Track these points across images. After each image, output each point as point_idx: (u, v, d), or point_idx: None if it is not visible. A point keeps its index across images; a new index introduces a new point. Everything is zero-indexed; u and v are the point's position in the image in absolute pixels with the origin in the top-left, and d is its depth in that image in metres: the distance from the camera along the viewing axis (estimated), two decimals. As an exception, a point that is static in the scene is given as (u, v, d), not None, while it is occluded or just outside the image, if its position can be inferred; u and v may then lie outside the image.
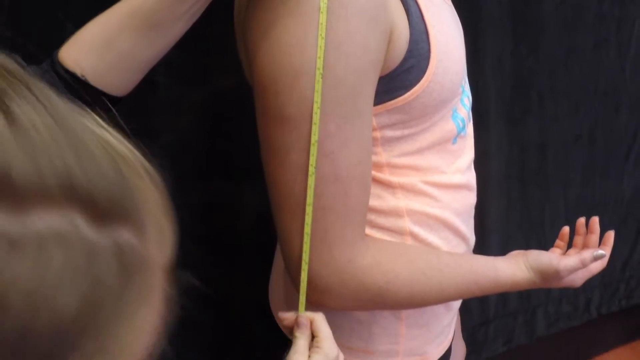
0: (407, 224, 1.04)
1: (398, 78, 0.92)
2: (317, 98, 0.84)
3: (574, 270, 1.11)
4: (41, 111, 0.40)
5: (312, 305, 0.99)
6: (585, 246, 1.20)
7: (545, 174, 2.15)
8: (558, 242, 1.24)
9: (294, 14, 0.84)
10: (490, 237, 2.08)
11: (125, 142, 0.46)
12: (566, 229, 1.24)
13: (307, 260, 0.92)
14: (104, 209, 0.41)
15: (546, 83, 2.01)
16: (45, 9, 1.31)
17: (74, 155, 0.40)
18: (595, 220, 1.21)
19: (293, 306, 1.14)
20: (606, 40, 2.07)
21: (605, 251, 1.17)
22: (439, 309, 1.15)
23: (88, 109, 0.45)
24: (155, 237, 0.46)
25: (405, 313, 1.10)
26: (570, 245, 1.24)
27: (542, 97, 2.02)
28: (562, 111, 2.09)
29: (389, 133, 0.97)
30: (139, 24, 0.87)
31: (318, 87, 0.84)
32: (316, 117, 0.85)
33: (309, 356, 0.95)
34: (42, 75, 0.87)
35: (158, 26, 0.88)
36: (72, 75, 0.87)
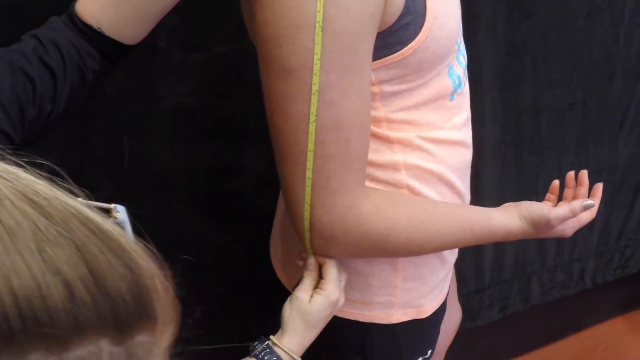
0: (403, 177, 1.07)
1: (395, 34, 0.95)
2: (317, 50, 0.87)
3: (565, 219, 1.14)
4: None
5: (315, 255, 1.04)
6: (574, 198, 1.23)
7: (539, 141, 2.17)
8: (549, 195, 1.27)
9: None
10: (484, 203, 2.08)
11: (133, 242, 0.49)
12: (556, 182, 1.27)
13: (309, 202, 0.95)
14: (125, 326, 0.45)
15: (540, 50, 2.02)
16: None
17: (99, 290, 0.44)
18: (584, 173, 1.24)
19: (292, 259, 1.18)
20: (600, 8, 2.08)
21: (595, 202, 1.20)
22: (434, 262, 1.18)
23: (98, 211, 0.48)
24: (164, 325, 0.49)
25: (401, 265, 1.14)
26: (560, 198, 1.27)
27: (536, 63, 2.04)
28: (556, 78, 2.10)
29: (387, 88, 1.00)
30: None
31: (318, 39, 0.87)
32: (316, 68, 0.88)
33: (311, 295, 1.00)
34: (64, 28, 0.93)
35: None
36: (90, 28, 0.93)
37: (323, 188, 0.94)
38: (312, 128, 0.91)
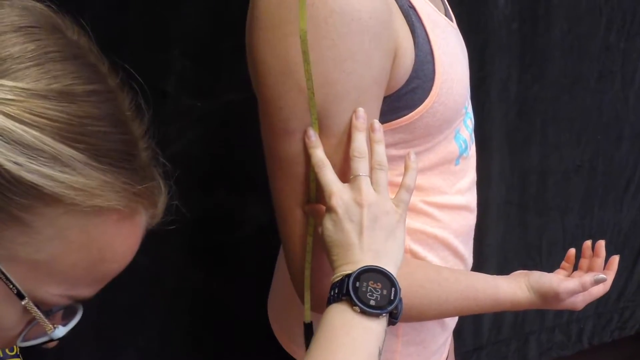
0: (407, 242, 1.05)
1: (403, 98, 0.93)
2: (314, 111, 0.86)
3: (574, 293, 1.11)
4: None
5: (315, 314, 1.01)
6: (590, 269, 1.21)
7: (544, 202, 2.16)
8: (564, 263, 1.24)
9: (295, 33, 0.85)
10: (487, 262, 2.08)
11: None
12: (572, 251, 1.25)
13: (309, 261, 0.93)
14: None
15: (550, 111, 2.02)
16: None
17: None
18: (601, 244, 1.22)
19: (290, 318, 1.15)
20: (611, 71, 2.08)
21: (609, 275, 1.17)
22: (435, 327, 1.16)
23: None
24: None
25: (402, 330, 1.11)
26: (576, 267, 1.25)
27: (545, 125, 2.04)
28: (565, 140, 2.10)
29: (393, 152, 0.98)
30: None
31: (312, 103, 0.85)
32: (315, 127, 0.87)
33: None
34: None
35: None
36: None
37: (323, 251, 0.92)
38: (313, 186, 0.89)
